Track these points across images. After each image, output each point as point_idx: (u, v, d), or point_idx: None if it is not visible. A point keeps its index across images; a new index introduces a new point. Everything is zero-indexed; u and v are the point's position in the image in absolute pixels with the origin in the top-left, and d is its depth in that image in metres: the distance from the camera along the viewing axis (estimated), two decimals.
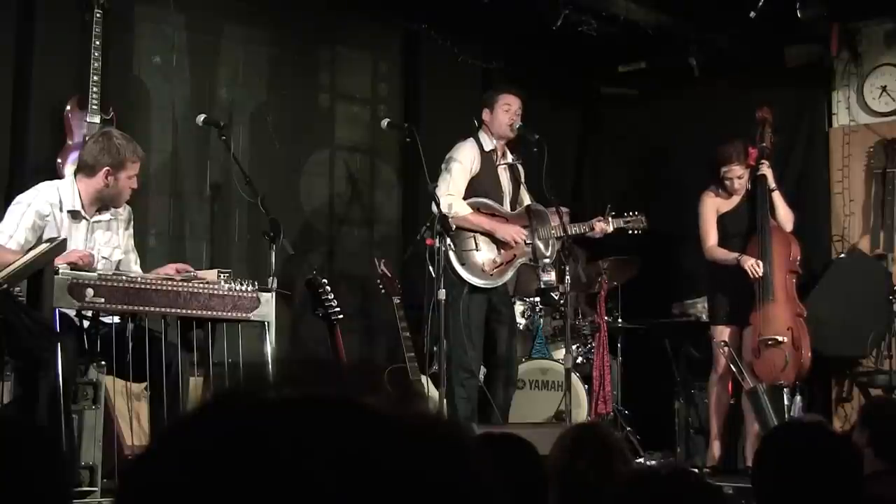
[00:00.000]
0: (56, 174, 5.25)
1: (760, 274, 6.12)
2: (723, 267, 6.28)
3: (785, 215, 6.33)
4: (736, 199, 6.39)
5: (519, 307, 6.62)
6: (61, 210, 4.64)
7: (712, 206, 6.40)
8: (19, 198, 4.65)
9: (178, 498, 0.70)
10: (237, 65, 6.55)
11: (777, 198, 6.34)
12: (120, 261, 4.86)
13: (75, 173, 4.78)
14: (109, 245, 4.81)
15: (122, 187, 4.71)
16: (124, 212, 4.91)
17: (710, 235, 6.38)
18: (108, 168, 4.64)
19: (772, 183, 6.33)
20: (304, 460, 0.69)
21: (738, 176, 6.32)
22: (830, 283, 6.95)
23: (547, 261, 6.07)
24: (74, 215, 4.68)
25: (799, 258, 6.28)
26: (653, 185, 7.89)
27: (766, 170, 6.31)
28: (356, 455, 0.70)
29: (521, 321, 6.61)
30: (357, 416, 0.73)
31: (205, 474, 0.70)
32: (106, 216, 4.80)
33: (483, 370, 6.06)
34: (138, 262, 4.99)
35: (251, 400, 0.74)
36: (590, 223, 6.24)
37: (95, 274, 4.23)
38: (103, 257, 4.72)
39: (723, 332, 6.28)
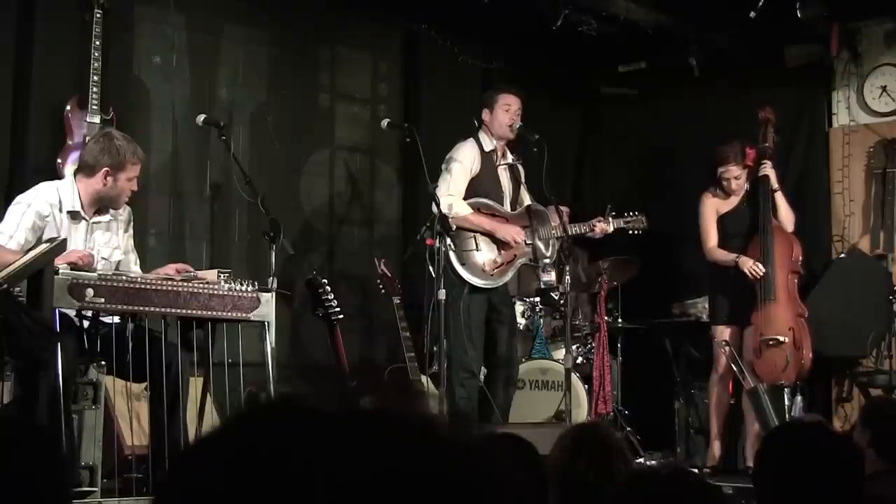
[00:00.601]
0: (56, 174, 5.25)
1: (761, 274, 6.12)
2: (724, 267, 6.29)
3: (786, 215, 6.33)
4: (735, 200, 6.39)
5: (519, 307, 6.61)
6: (61, 210, 4.64)
7: (712, 207, 6.41)
8: (19, 198, 4.65)
9: None
10: (237, 65, 6.55)
11: (779, 198, 6.33)
12: (119, 261, 4.85)
13: (75, 173, 4.77)
14: (109, 246, 4.80)
15: (122, 188, 4.70)
16: (124, 212, 4.91)
17: (711, 236, 6.38)
18: (107, 168, 4.63)
19: (774, 183, 6.32)
20: (341, 473, 0.70)
21: (734, 176, 6.32)
22: (830, 283, 6.95)
23: (547, 261, 6.07)
24: (74, 216, 4.67)
25: (801, 258, 6.28)
26: (653, 186, 7.89)
27: (768, 170, 6.30)
28: (390, 466, 0.70)
29: (521, 321, 6.61)
30: (388, 427, 0.73)
31: (240, 486, 0.70)
32: (106, 217, 4.80)
33: (483, 370, 6.05)
34: (138, 262, 4.98)
35: (286, 414, 0.75)
36: (590, 223, 6.23)
37: (95, 274, 4.23)
38: (103, 258, 4.71)
39: (723, 332, 6.27)
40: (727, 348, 6.12)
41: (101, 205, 4.74)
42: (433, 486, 0.71)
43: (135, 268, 4.91)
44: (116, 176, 4.65)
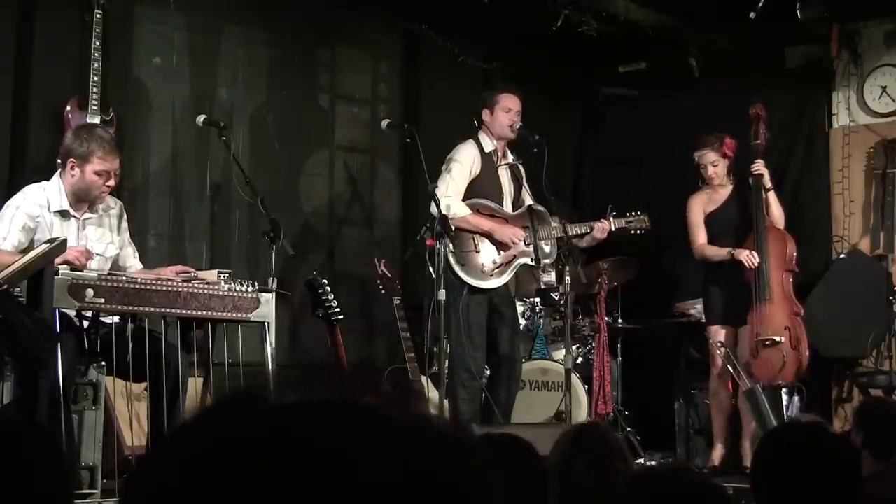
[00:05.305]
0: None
1: (756, 263, 6.10)
2: (717, 266, 6.28)
3: (778, 214, 6.30)
4: (721, 199, 6.37)
5: (519, 308, 6.60)
6: (49, 210, 4.63)
7: (699, 207, 6.40)
8: (7, 203, 4.65)
9: (179, 502, 0.71)
10: (237, 65, 6.55)
11: (772, 197, 6.30)
12: (118, 255, 4.85)
13: (60, 172, 4.74)
14: (102, 241, 4.79)
15: (90, 182, 4.63)
16: (115, 206, 4.89)
17: (699, 234, 6.37)
18: (73, 160, 4.62)
19: (767, 182, 6.28)
20: (304, 466, 0.70)
21: (710, 162, 6.31)
22: (830, 284, 6.95)
23: (548, 261, 6.06)
24: (63, 215, 4.66)
25: (795, 256, 6.26)
26: (653, 186, 7.87)
27: (762, 168, 6.27)
28: (357, 458, 0.70)
29: (521, 322, 6.60)
30: (357, 419, 0.73)
31: (205, 480, 0.70)
32: (96, 212, 4.78)
33: (486, 371, 6.05)
34: (136, 254, 4.97)
35: (253, 405, 0.75)
36: (590, 223, 6.21)
37: (95, 274, 4.23)
38: (97, 254, 4.69)
39: (718, 333, 6.25)
40: (723, 350, 6.10)
41: (81, 199, 4.70)
42: (408, 485, 0.71)
43: (134, 261, 4.91)
44: (83, 168, 4.61)
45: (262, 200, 5.04)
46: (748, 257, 6.11)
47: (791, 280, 6.24)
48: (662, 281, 7.29)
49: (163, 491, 0.72)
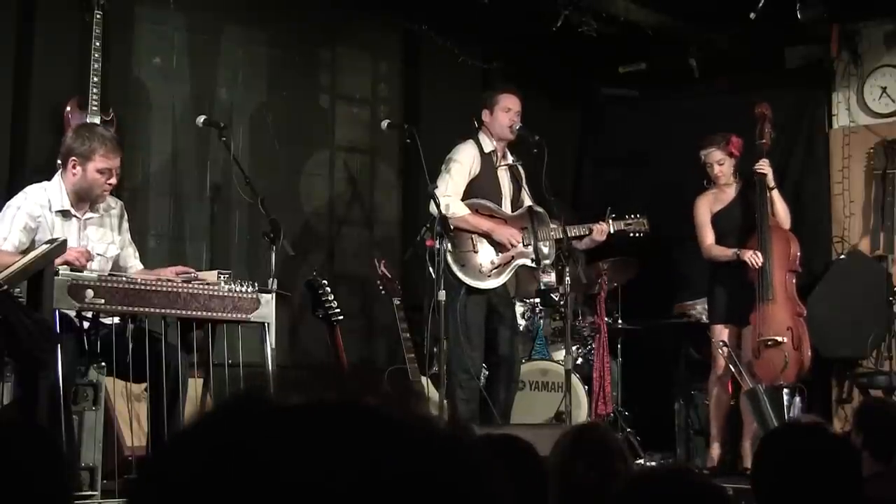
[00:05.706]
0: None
1: (760, 263, 6.11)
2: (723, 266, 6.29)
3: (783, 213, 6.33)
4: (727, 199, 6.39)
5: (519, 308, 6.61)
6: (51, 210, 4.63)
7: (705, 206, 6.42)
8: (8, 203, 4.65)
9: None
10: (237, 65, 6.55)
11: (776, 196, 6.32)
12: (118, 255, 4.85)
13: (61, 173, 4.74)
14: (103, 241, 4.79)
15: (92, 180, 4.63)
16: (116, 206, 4.89)
17: (707, 235, 6.39)
18: (74, 158, 4.62)
19: (771, 182, 6.31)
20: (307, 467, 0.70)
21: (717, 160, 6.33)
22: (830, 284, 6.95)
23: (547, 262, 6.07)
24: (65, 214, 4.66)
25: (799, 257, 6.28)
26: (653, 186, 7.87)
27: (766, 168, 6.29)
28: (358, 459, 0.70)
29: (521, 322, 6.60)
30: (358, 420, 0.73)
31: (208, 484, 0.70)
32: (97, 212, 4.78)
33: (485, 371, 6.05)
34: (137, 255, 4.97)
35: (253, 407, 0.75)
36: (589, 226, 6.21)
37: (95, 275, 4.23)
38: (97, 254, 4.69)
39: (721, 332, 6.27)
40: (725, 349, 6.11)
41: (82, 198, 4.71)
42: (409, 485, 0.71)
43: (134, 261, 4.91)
44: (85, 166, 4.62)
45: (262, 201, 5.04)
46: (751, 257, 6.12)
47: (794, 280, 6.26)
48: (662, 281, 7.28)
49: (165, 496, 0.72)
